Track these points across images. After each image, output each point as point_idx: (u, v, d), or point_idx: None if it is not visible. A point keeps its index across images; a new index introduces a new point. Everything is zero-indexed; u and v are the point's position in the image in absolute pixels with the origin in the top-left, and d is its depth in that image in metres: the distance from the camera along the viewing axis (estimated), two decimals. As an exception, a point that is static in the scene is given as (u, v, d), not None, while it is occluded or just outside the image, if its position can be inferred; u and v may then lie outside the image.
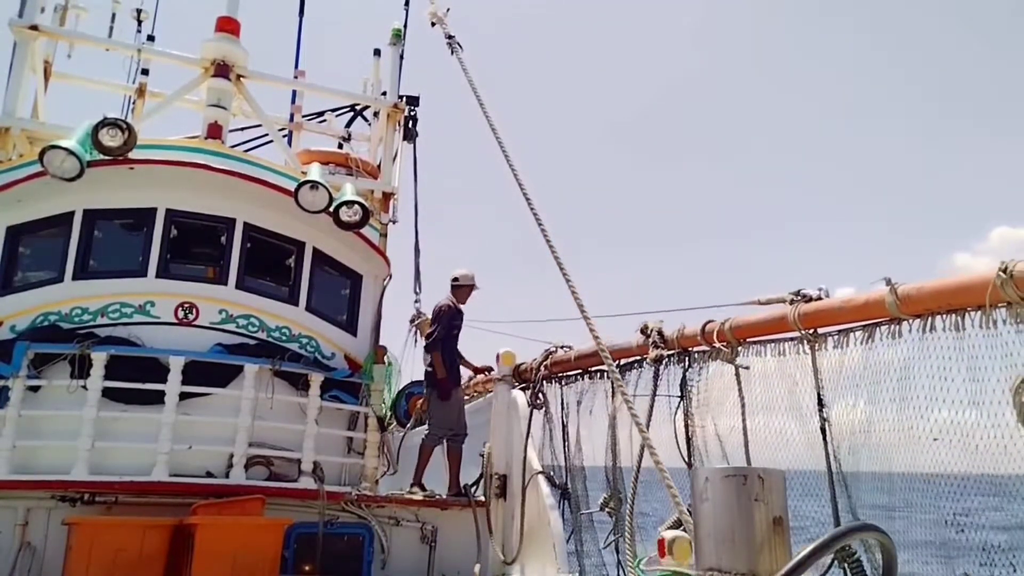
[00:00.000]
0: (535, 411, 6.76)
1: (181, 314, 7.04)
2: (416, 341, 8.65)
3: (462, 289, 7.76)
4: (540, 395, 6.80)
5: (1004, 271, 3.07)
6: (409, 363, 8.86)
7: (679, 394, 5.07)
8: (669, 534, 3.31)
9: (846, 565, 2.33)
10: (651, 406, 5.16)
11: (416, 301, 8.74)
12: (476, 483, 7.34)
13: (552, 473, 6.69)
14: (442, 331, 7.43)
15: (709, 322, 4.87)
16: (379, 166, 9.20)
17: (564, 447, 6.71)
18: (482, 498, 7.23)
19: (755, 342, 4.58)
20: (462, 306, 7.74)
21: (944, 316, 3.42)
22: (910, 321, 3.60)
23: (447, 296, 7.73)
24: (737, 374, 4.69)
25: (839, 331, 4.05)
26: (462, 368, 7.87)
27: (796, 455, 4.17)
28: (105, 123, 6.58)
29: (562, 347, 6.88)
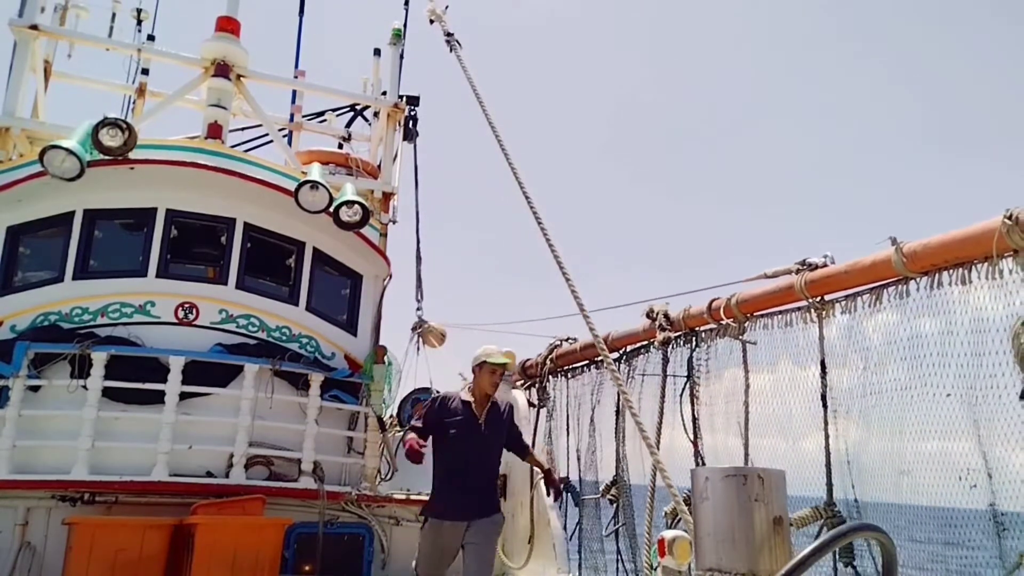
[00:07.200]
0: (539, 409, 6.77)
1: (181, 314, 7.03)
2: (419, 348, 8.66)
3: (480, 370, 5.32)
4: (544, 391, 6.81)
5: (1009, 218, 3.02)
6: (411, 370, 8.85)
7: (686, 374, 5.10)
8: (669, 534, 3.32)
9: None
10: (663, 390, 5.16)
11: (418, 309, 8.73)
12: None
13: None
14: (418, 422, 5.29)
15: (715, 299, 4.87)
16: (379, 166, 9.19)
17: (568, 440, 6.71)
18: None
19: (762, 315, 4.58)
20: (490, 391, 5.29)
21: (951, 271, 3.40)
22: (917, 279, 3.58)
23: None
24: (744, 350, 4.70)
25: (846, 296, 4.05)
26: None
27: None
28: (105, 123, 6.57)
29: (567, 340, 6.88)
